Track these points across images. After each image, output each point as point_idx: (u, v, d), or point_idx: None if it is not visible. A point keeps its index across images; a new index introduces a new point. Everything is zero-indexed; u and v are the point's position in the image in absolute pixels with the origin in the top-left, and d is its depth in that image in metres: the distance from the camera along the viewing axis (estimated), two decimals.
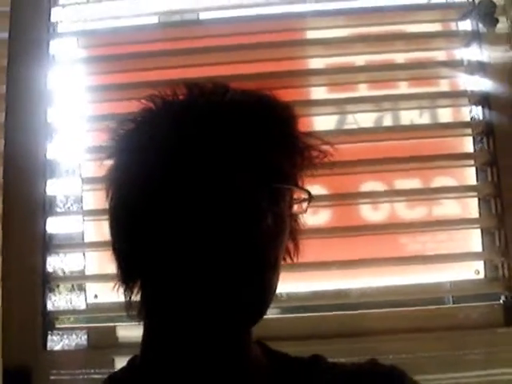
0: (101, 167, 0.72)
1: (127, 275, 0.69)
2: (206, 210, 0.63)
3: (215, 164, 0.64)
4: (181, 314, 0.66)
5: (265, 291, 0.65)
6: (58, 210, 1.39)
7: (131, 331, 0.71)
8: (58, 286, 1.36)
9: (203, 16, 1.49)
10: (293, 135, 0.70)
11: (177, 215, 0.64)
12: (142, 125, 0.70)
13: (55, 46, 1.44)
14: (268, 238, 0.65)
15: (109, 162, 0.71)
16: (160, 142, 0.66)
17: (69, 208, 1.40)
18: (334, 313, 1.33)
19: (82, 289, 1.37)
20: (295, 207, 0.71)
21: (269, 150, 0.66)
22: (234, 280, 0.63)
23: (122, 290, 0.69)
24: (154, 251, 0.66)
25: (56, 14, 1.45)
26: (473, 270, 1.33)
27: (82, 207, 1.39)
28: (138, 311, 0.69)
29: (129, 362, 0.75)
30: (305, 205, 0.71)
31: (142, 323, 0.70)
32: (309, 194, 0.71)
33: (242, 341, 0.70)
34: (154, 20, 1.51)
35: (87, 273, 1.37)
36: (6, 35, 1.40)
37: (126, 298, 0.69)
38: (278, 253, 0.67)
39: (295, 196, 0.71)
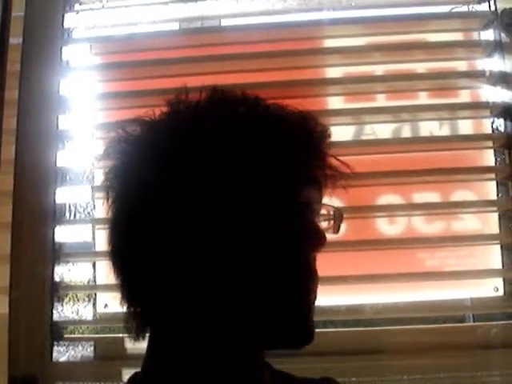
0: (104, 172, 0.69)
1: (129, 289, 0.65)
2: (233, 225, 0.61)
3: (248, 177, 0.61)
4: (195, 334, 0.63)
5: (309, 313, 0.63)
6: (69, 218, 1.37)
7: (140, 343, 0.67)
8: (66, 296, 1.34)
9: (214, 23, 1.48)
10: (327, 152, 0.68)
11: (192, 227, 0.61)
12: (160, 129, 0.67)
13: (69, 52, 1.43)
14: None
15: (111, 169, 0.68)
16: (186, 147, 0.63)
17: (79, 216, 1.38)
18: (347, 329, 1.30)
19: (91, 298, 1.35)
20: (324, 224, 0.69)
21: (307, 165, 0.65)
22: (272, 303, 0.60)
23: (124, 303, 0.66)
24: (161, 266, 0.62)
25: (70, 19, 1.44)
26: (492, 287, 1.29)
27: (92, 215, 1.37)
28: (138, 325, 0.66)
29: (129, 380, 0.70)
30: (332, 222, 0.69)
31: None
32: (340, 213, 0.69)
33: (257, 365, 0.67)
34: (172, 27, 1.49)
35: (97, 282, 1.35)
36: (20, 40, 1.39)
37: (127, 311, 0.66)
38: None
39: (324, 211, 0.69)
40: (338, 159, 0.69)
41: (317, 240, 0.63)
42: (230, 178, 0.61)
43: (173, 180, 0.62)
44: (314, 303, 0.64)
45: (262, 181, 0.61)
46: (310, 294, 0.63)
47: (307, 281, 0.63)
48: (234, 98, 0.67)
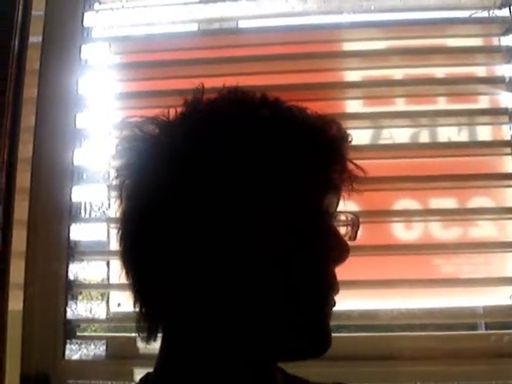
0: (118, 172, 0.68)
1: (141, 289, 0.65)
2: (252, 230, 0.60)
3: (269, 181, 0.60)
4: (209, 337, 0.63)
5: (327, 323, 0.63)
6: (84, 216, 1.38)
7: (153, 343, 0.67)
8: (80, 294, 1.34)
9: (233, 25, 1.48)
10: (346, 157, 0.67)
11: (206, 230, 0.61)
12: (177, 129, 0.66)
13: (87, 51, 1.43)
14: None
15: (125, 168, 0.67)
16: (207, 147, 0.62)
17: (95, 215, 1.38)
18: (361, 334, 1.29)
19: (105, 297, 1.35)
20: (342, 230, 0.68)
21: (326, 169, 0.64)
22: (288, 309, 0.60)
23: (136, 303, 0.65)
24: (174, 267, 0.61)
25: (89, 18, 1.44)
26: (507, 296, 1.28)
27: (108, 214, 1.37)
28: (150, 326, 0.65)
29: (141, 379, 0.70)
30: (349, 229, 0.69)
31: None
32: (357, 219, 0.69)
33: (269, 368, 0.67)
34: (190, 28, 1.49)
35: (111, 281, 1.35)
36: (39, 39, 1.40)
37: (139, 311, 0.65)
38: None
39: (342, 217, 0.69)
40: (353, 163, 0.68)
41: (341, 252, 0.63)
42: (247, 181, 0.60)
43: (187, 180, 0.61)
44: (331, 312, 0.63)
45: (283, 185, 0.60)
46: (329, 304, 0.63)
47: (327, 291, 0.62)
48: (254, 99, 0.66)
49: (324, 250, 0.61)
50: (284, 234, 0.60)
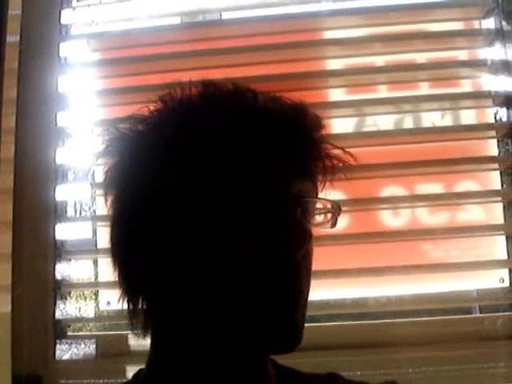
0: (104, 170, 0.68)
1: (130, 287, 0.65)
2: (228, 222, 0.60)
3: (238, 172, 0.60)
4: (196, 331, 0.62)
5: (302, 319, 0.62)
6: (69, 215, 1.37)
7: (143, 340, 0.67)
8: (69, 294, 1.33)
9: (214, 17, 1.47)
10: (321, 143, 0.67)
11: (193, 224, 0.61)
12: (153, 126, 0.66)
13: (66, 49, 1.42)
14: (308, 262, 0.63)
15: (110, 166, 0.67)
16: (175, 143, 0.62)
17: (80, 214, 1.37)
18: (351, 322, 1.29)
19: (94, 296, 1.34)
20: (319, 218, 0.68)
21: (300, 158, 0.64)
22: (266, 304, 0.59)
23: (125, 300, 0.65)
24: (162, 262, 0.62)
25: (67, 16, 1.43)
26: (497, 278, 1.28)
27: (93, 212, 1.36)
28: (142, 324, 0.65)
29: (133, 376, 0.71)
30: (329, 216, 0.68)
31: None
32: (338, 206, 0.68)
33: (261, 361, 0.67)
34: (170, 21, 1.48)
35: (100, 279, 1.34)
36: (17, 38, 1.38)
37: (129, 309, 0.65)
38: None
39: (319, 205, 0.68)
40: (339, 148, 0.68)
41: (301, 238, 0.61)
42: (218, 175, 0.60)
43: (167, 177, 0.62)
44: (301, 303, 0.62)
45: (249, 175, 0.60)
46: (294, 295, 0.61)
47: (291, 281, 0.61)
48: (224, 90, 0.66)
49: (286, 239, 0.60)
50: (250, 226, 0.60)
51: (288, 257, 0.60)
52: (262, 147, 0.61)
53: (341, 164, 0.68)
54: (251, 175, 0.60)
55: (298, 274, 0.61)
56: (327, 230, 0.70)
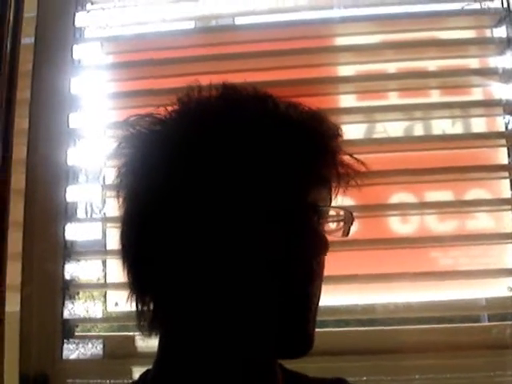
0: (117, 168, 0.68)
1: (139, 287, 0.65)
2: (241, 225, 0.59)
3: (255, 175, 0.60)
4: (205, 333, 0.62)
5: (313, 325, 0.61)
6: (80, 216, 1.38)
7: (149, 341, 0.67)
8: (78, 294, 1.34)
9: (227, 22, 1.48)
10: (338, 152, 0.67)
11: (206, 227, 0.61)
12: (169, 126, 0.66)
13: (80, 51, 1.43)
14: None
15: (122, 166, 0.67)
16: (191, 144, 0.62)
17: (91, 215, 1.38)
18: (359, 328, 1.29)
19: (102, 297, 1.35)
20: (332, 225, 0.67)
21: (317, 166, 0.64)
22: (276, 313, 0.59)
23: (134, 301, 0.65)
24: (172, 264, 0.62)
25: (81, 19, 1.44)
26: (506, 287, 1.27)
27: (103, 214, 1.37)
28: (149, 324, 0.65)
29: (140, 376, 0.71)
30: (342, 224, 0.67)
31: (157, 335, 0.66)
32: (351, 215, 0.68)
33: (270, 365, 0.67)
34: (183, 25, 1.50)
35: (108, 280, 1.35)
36: (32, 40, 1.40)
37: (137, 309, 0.65)
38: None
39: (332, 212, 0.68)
40: (352, 156, 0.68)
41: (318, 246, 0.61)
42: (235, 178, 0.60)
43: (181, 178, 0.61)
44: (313, 309, 0.62)
45: (266, 180, 0.60)
46: (308, 302, 0.61)
47: (306, 287, 0.61)
48: (244, 94, 0.66)
49: (304, 246, 0.60)
50: (267, 232, 0.59)
51: (304, 264, 0.60)
52: (281, 153, 0.61)
53: (354, 172, 0.68)
54: (269, 180, 0.60)
55: (313, 281, 0.61)
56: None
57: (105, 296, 1.34)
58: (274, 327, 0.59)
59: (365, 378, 1.16)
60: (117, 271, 1.33)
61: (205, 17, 1.47)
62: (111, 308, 1.33)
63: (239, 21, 1.49)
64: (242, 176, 0.60)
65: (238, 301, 0.60)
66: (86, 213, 1.38)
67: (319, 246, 0.61)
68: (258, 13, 1.44)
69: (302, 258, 0.60)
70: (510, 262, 1.29)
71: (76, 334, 1.32)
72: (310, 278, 0.61)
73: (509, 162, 1.34)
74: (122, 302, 1.27)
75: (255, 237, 0.59)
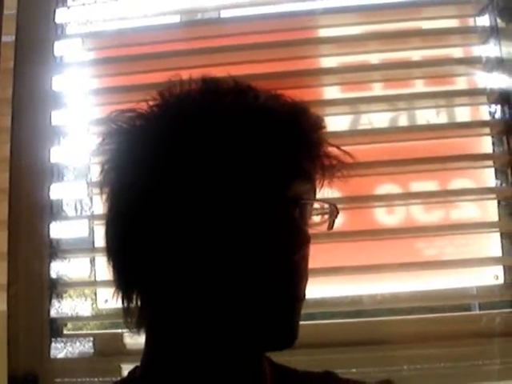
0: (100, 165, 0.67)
1: (125, 283, 0.64)
2: (223, 220, 0.59)
3: (235, 170, 0.60)
4: (191, 329, 0.62)
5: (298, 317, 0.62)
6: (65, 214, 1.37)
7: (139, 338, 0.67)
8: (65, 292, 1.34)
9: (209, 15, 1.47)
10: (321, 144, 0.66)
11: (189, 222, 0.60)
12: (150, 121, 0.65)
13: (61, 48, 1.42)
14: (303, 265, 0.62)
15: (105, 163, 0.66)
16: (172, 139, 0.62)
17: (76, 212, 1.37)
18: (347, 320, 1.29)
19: (93, 294, 1.34)
20: (316, 218, 0.67)
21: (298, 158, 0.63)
22: (262, 306, 0.59)
23: (119, 298, 0.65)
24: (157, 259, 0.61)
25: (62, 15, 1.43)
26: (492, 276, 1.28)
27: (89, 211, 1.36)
28: (136, 321, 0.65)
29: (129, 373, 0.71)
30: (326, 217, 0.68)
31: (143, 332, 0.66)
32: (335, 208, 0.67)
33: (257, 359, 0.67)
34: (166, 20, 1.48)
35: (97, 278, 1.34)
36: (12, 38, 1.38)
37: (124, 306, 0.65)
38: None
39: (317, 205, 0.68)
40: (337, 147, 0.68)
41: (298, 240, 0.61)
42: (215, 172, 0.60)
43: (162, 174, 0.61)
44: (297, 304, 0.62)
45: (246, 174, 0.60)
46: (290, 296, 0.61)
47: (288, 282, 0.61)
48: (225, 87, 0.66)
49: (284, 241, 0.60)
50: (246, 227, 0.59)
51: (285, 258, 0.60)
52: (261, 146, 0.61)
53: (339, 164, 0.68)
54: (249, 174, 0.60)
55: (295, 274, 0.61)
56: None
57: (95, 293, 1.33)
58: (258, 321, 0.59)
59: (354, 370, 1.16)
60: (105, 268, 1.32)
61: (190, 10, 1.47)
62: (101, 305, 1.32)
63: (224, 14, 1.48)
64: (222, 169, 0.60)
65: (223, 295, 0.60)
66: (72, 210, 1.37)
67: (299, 240, 0.61)
68: (243, 5, 1.44)
69: (282, 251, 0.60)
70: (495, 251, 1.30)
71: (64, 332, 1.31)
72: (292, 272, 0.61)
73: (493, 151, 1.34)
74: (112, 299, 1.28)
75: (237, 231, 0.59)
